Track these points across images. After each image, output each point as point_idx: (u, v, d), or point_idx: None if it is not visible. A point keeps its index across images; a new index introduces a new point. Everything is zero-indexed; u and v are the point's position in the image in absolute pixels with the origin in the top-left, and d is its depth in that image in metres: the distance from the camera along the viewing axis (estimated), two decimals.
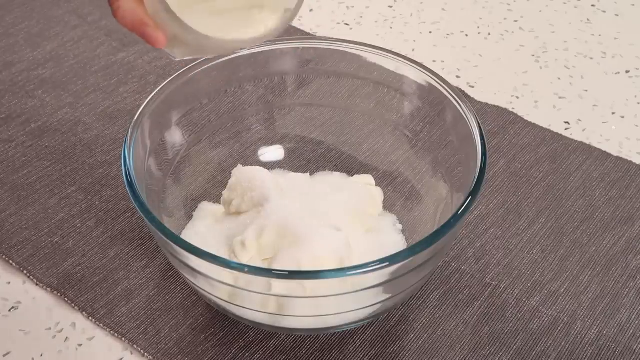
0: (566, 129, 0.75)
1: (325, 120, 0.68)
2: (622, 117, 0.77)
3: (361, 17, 0.92)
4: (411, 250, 0.50)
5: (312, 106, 0.68)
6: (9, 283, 0.61)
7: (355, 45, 0.64)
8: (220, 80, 0.64)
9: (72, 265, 0.62)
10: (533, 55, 0.86)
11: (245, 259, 0.56)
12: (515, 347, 0.57)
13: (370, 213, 0.62)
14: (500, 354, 0.56)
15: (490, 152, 0.71)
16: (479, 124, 0.56)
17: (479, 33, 0.89)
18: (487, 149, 0.55)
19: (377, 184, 0.65)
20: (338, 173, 0.67)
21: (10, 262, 0.62)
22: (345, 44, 0.64)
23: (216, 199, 0.64)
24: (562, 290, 0.60)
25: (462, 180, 0.57)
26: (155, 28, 0.47)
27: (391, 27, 0.90)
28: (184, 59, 0.53)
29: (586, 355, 0.56)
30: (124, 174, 0.53)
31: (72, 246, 0.63)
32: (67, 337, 0.58)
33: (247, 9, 0.51)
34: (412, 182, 0.65)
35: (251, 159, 0.67)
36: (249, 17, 0.51)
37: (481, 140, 0.55)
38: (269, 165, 0.66)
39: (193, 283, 0.54)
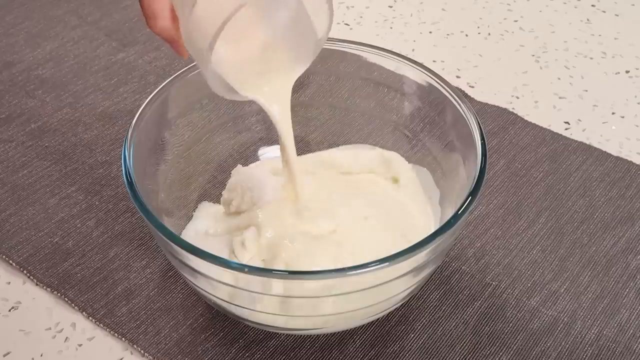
0: (566, 129, 0.75)
1: (325, 120, 0.68)
2: (622, 117, 0.77)
3: (361, 17, 0.92)
4: (411, 251, 0.50)
5: (312, 106, 0.68)
6: (9, 283, 0.61)
7: (355, 45, 0.64)
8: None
9: (72, 265, 0.62)
10: (533, 55, 0.86)
11: (245, 259, 0.56)
12: (515, 347, 0.57)
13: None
14: (500, 354, 0.56)
15: (490, 152, 0.71)
16: (479, 124, 0.56)
17: (479, 33, 0.89)
18: (487, 149, 0.55)
19: None
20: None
21: (10, 262, 0.62)
22: (345, 44, 0.64)
23: (216, 199, 0.64)
24: (562, 290, 0.60)
25: (462, 180, 0.57)
26: (184, 48, 0.51)
27: (391, 27, 0.90)
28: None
29: (586, 355, 0.56)
30: (124, 174, 0.53)
31: (72, 246, 0.63)
32: (67, 337, 0.58)
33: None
34: None
35: (251, 159, 0.67)
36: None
37: (481, 140, 0.55)
38: None
39: (193, 283, 0.53)
